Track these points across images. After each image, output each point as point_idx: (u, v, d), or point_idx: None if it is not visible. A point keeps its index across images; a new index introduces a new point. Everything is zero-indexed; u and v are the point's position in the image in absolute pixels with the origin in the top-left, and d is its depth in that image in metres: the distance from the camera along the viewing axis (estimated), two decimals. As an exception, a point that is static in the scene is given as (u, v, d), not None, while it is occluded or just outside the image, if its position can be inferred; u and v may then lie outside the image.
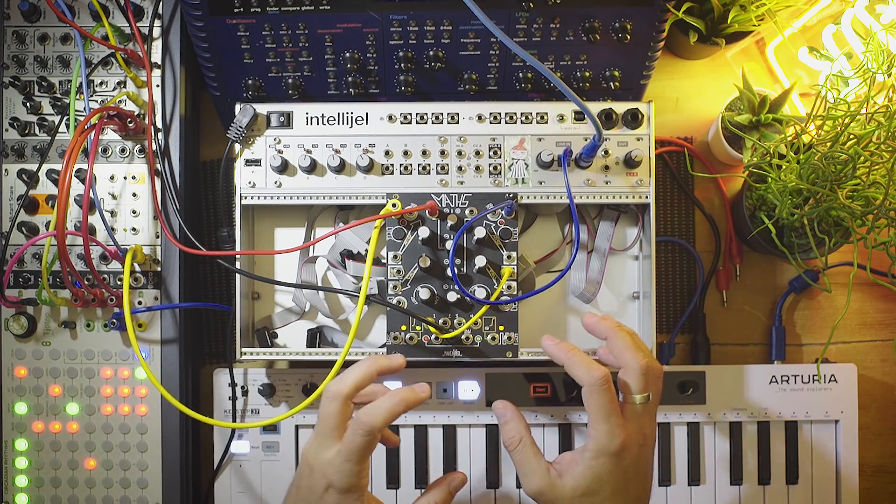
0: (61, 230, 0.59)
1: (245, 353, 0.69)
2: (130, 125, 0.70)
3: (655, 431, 0.63)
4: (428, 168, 0.69)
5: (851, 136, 0.63)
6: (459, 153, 0.69)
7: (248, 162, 0.69)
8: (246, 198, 0.69)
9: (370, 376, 0.61)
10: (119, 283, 0.71)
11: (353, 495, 0.59)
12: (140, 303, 0.72)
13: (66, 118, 0.71)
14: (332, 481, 0.58)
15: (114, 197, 0.72)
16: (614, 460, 0.59)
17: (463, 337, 0.68)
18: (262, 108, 0.69)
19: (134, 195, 0.72)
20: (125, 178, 0.72)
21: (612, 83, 0.71)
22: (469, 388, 0.73)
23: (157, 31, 0.72)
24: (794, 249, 0.70)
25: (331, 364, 0.65)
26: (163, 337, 0.72)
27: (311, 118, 0.69)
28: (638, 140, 0.69)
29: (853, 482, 0.73)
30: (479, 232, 0.67)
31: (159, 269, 0.72)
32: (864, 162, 0.62)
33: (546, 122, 0.69)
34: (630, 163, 0.68)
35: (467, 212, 0.69)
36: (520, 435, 0.63)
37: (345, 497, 0.58)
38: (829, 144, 0.63)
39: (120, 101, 0.71)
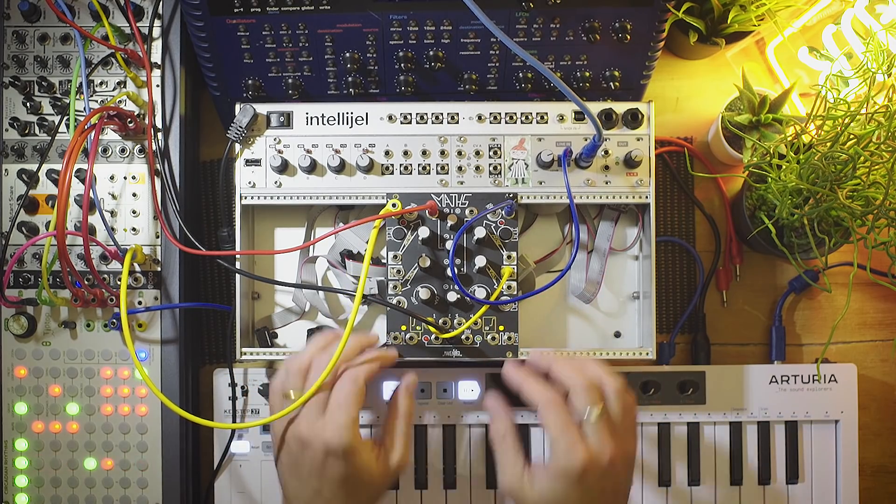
0: (61, 230, 0.59)
1: (245, 353, 0.69)
2: (130, 125, 0.70)
3: (628, 451, 0.61)
4: (428, 168, 0.69)
5: (851, 136, 0.63)
6: (459, 153, 0.69)
7: (248, 162, 0.69)
8: (246, 198, 0.69)
9: (326, 346, 0.64)
10: (120, 283, 0.71)
11: (351, 458, 0.59)
12: (140, 303, 0.72)
13: (66, 118, 0.71)
14: (329, 444, 0.58)
15: (114, 197, 0.72)
16: (575, 482, 0.57)
17: (463, 337, 0.68)
18: (262, 108, 0.69)
19: (134, 195, 0.72)
20: (125, 178, 0.72)
21: (612, 83, 0.71)
22: (469, 388, 0.73)
23: (157, 31, 0.72)
24: (794, 249, 0.70)
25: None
26: (163, 337, 0.72)
27: (311, 118, 0.69)
28: (638, 140, 0.69)
29: (853, 482, 0.73)
30: (479, 232, 0.67)
31: (159, 269, 0.72)
32: (864, 162, 0.62)
33: (546, 122, 0.69)
34: (630, 163, 0.68)
35: (467, 212, 0.69)
36: (503, 432, 0.64)
37: (345, 462, 0.58)
38: (829, 144, 0.63)
39: (120, 101, 0.71)
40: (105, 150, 0.72)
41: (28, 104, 0.71)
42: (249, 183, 0.69)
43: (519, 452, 0.63)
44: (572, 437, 0.58)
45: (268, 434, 0.73)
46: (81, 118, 0.69)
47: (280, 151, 0.69)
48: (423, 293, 0.67)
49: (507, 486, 0.62)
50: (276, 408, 0.62)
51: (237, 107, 0.68)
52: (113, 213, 0.72)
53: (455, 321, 0.68)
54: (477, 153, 0.69)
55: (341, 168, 0.69)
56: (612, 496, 0.60)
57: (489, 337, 0.68)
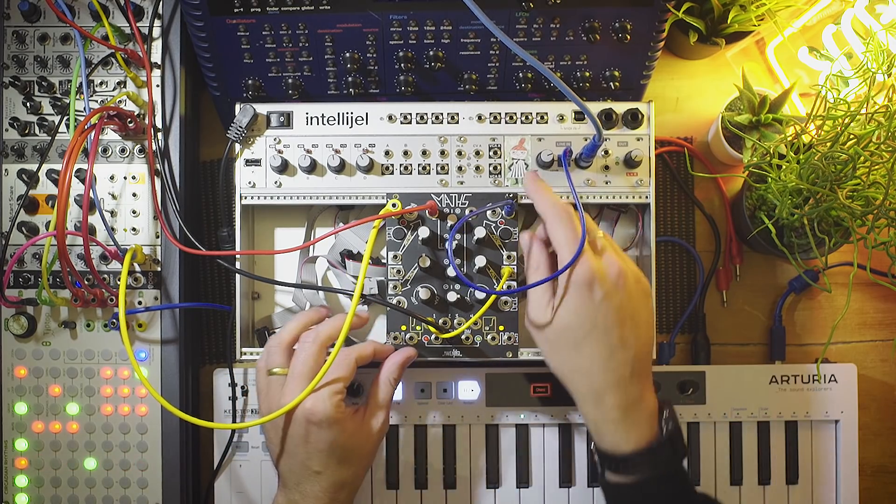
0: (61, 230, 0.59)
1: (245, 353, 0.69)
2: (130, 125, 0.70)
3: (640, 276, 0.62)
4: (428, 168, 0.69)
5: (851, 136, 0.63)
6: (459, 153, 0.69)
7: (248, 162, 0.69)
8: (246, 198, 0.69)
9: (309, 323, 0.66)
10: (119, 282, 0.71)
11: (334, 427, 0.60)
12: (140, 303, 0.72)
13: (66, 118, 0.71)
14: (310, 413, 0.60)
15: (114, 197, 0.72)
16: (586, 295, 0.59)
17: (463, 337, 0.68)
18: (262, 108, 0.69)
19: (134, 195, 0.72)
20: (125, 178, 0.72)
21: (612, 83, 0.71)
22: (469, 388, 0.73)
23: (157, 31, 0.72)
24: (794, 249, 0.70)
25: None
26: (163, 337, 0.72)
27: (311, 118, 0.69)
28: (638, 140, 0.69)
29: (853, 482, 0.73)
30: (479, 232, 0.67)
31: (159, 269, 0.72)
32: (864, 162, 0.62)
33: (546, 122, 0.69)
34: (630, 163, 0.68)
35: (467, 212, 0.69)
36: (537, 263, 0.64)
37: (328, 431, 0.60)
38: (829, 144, 0.63)
39: (120, 101, 0.71)
40: (105, 150, 0.72)
41: (28, 104, 0.71)
42: (249, 183, 0.69)
43: (549, 288, 0.62)
44: (581, 244, 0.59)
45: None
46: (81, 118, 0.68)
47: (280, 151, 0.69)
48: (423, 293, 0.67)
49: (532, 321, 0.63)
50: (262, 386, 0.64)
51: (237, 107, 0.68)
52: (113, 213, 0.72)
53: (455, 321, 0.68)
54: (477, 153, 0.69)
55: (341, 168, 0.69)
56: (630, 320, 0.60)
57: (489, 337, 0.68)
